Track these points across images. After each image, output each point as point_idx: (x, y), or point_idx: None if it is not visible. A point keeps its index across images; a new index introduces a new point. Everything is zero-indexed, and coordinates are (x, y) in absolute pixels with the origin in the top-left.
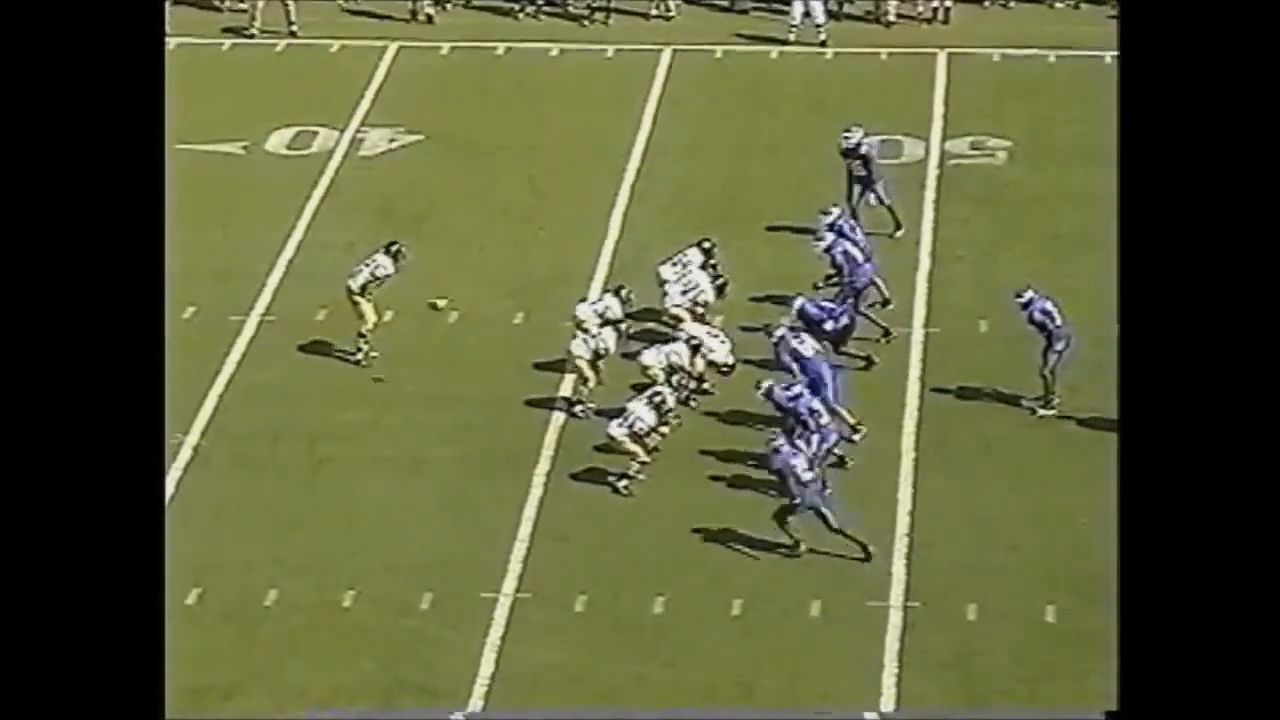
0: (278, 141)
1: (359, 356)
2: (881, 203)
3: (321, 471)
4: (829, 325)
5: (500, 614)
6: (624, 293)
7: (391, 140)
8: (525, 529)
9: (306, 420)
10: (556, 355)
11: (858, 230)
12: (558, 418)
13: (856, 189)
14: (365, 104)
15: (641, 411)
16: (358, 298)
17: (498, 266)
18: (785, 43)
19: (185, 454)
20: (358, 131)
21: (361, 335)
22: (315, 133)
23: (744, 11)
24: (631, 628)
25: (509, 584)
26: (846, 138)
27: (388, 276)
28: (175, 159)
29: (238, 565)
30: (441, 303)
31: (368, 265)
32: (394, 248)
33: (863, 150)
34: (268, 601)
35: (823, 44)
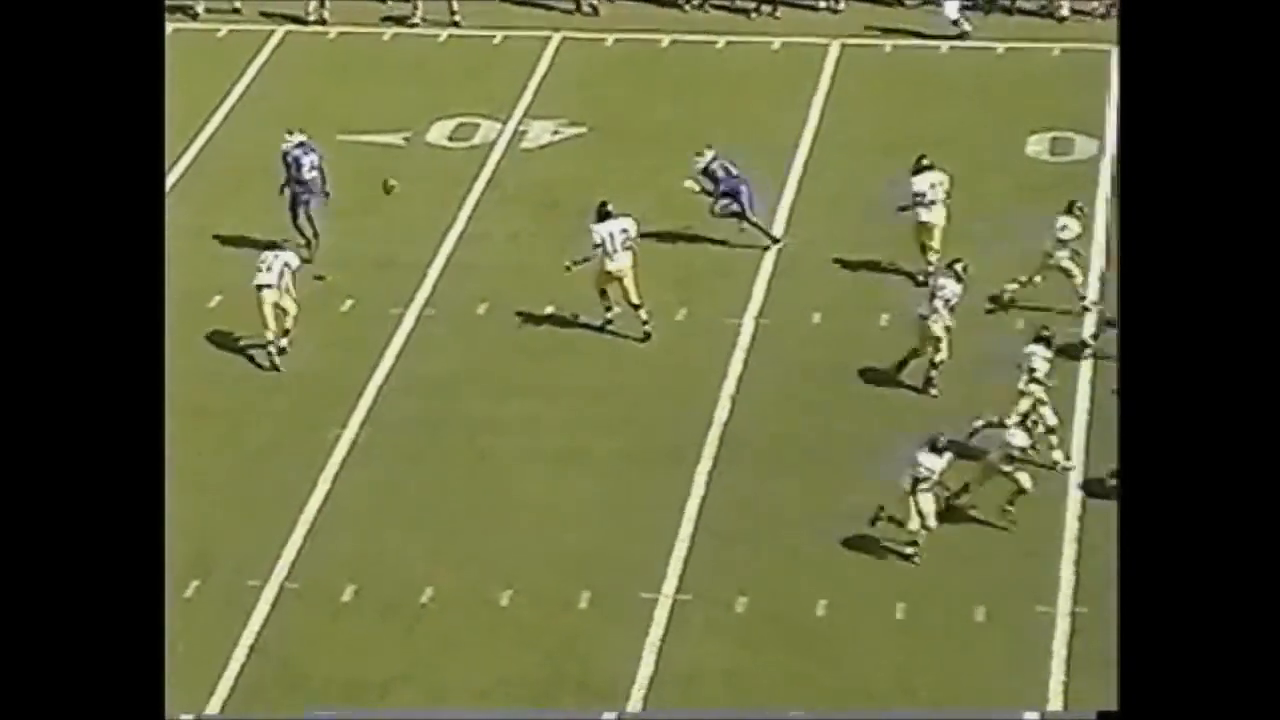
0: (439, 133)
1: None
2: (745, 218)
3: (481, 465)
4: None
5: (660, 614)
6: (959, 268)
7: (554, 132)
8: (686, 527)
9: (467, 412)
10: (719, 350)
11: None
12: (720, 413)
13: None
14: (528, 96)
15: (1015, 435)
16: None
17: (660, 259)
18: (955, 37)
19: (344, 447)
20: (520, 123)
21: None
22: (477, 124)
23: (912, 6)
24: (793, 629)
25: (669, 584)
26: (697, 161)
27: None
28: (337, 150)
29: (395, 560)
30: (393, 182)
31: None
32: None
33: (713, 170)
34: (424, 598)
35: (959, 37)
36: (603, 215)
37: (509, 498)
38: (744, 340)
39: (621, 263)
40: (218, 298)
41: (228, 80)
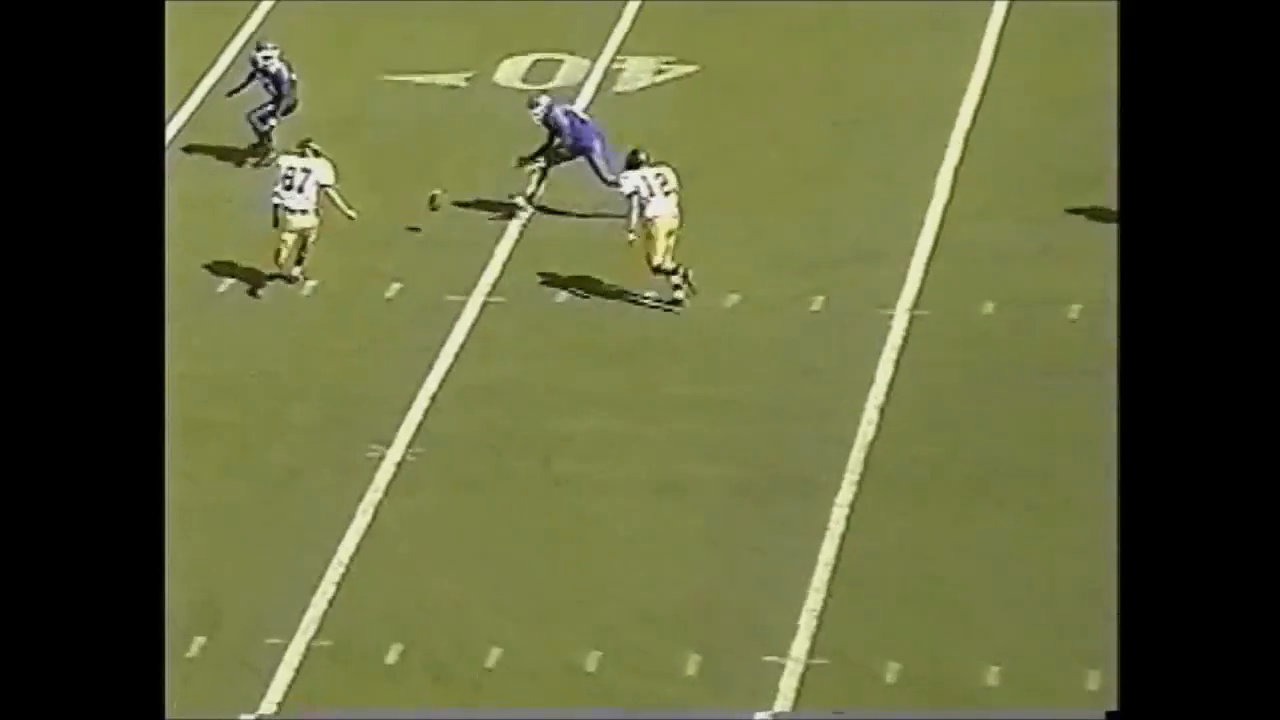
0: (510, 72)
1: None
2: (601, 176)
3: (557, 494)
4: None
5: (787, 683)
6: None
7: (657, 72)
8: (820, 574)
9: (539, 429)
10: (863, 350)
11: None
12: (864, 431)
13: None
14: (623, 26)
15: None
16: None
17: (788, 237)
18: None
19: (387, 470)
20: (613, 60)
21: None
22: (559, 61)
23: None
24: (956, 702)
25: (799, 645)
26: (533, 111)
27: None
28: (379, 94)
29: (450, 614)
30: (441, 192)
31: None
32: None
33: (555, 119)
34: (490, 661)
35: None
36: (633, 163)
37: (593, 536)
38: (895, 338)
39: (663, 209)
40: (227, 282)
41: (239, 12)
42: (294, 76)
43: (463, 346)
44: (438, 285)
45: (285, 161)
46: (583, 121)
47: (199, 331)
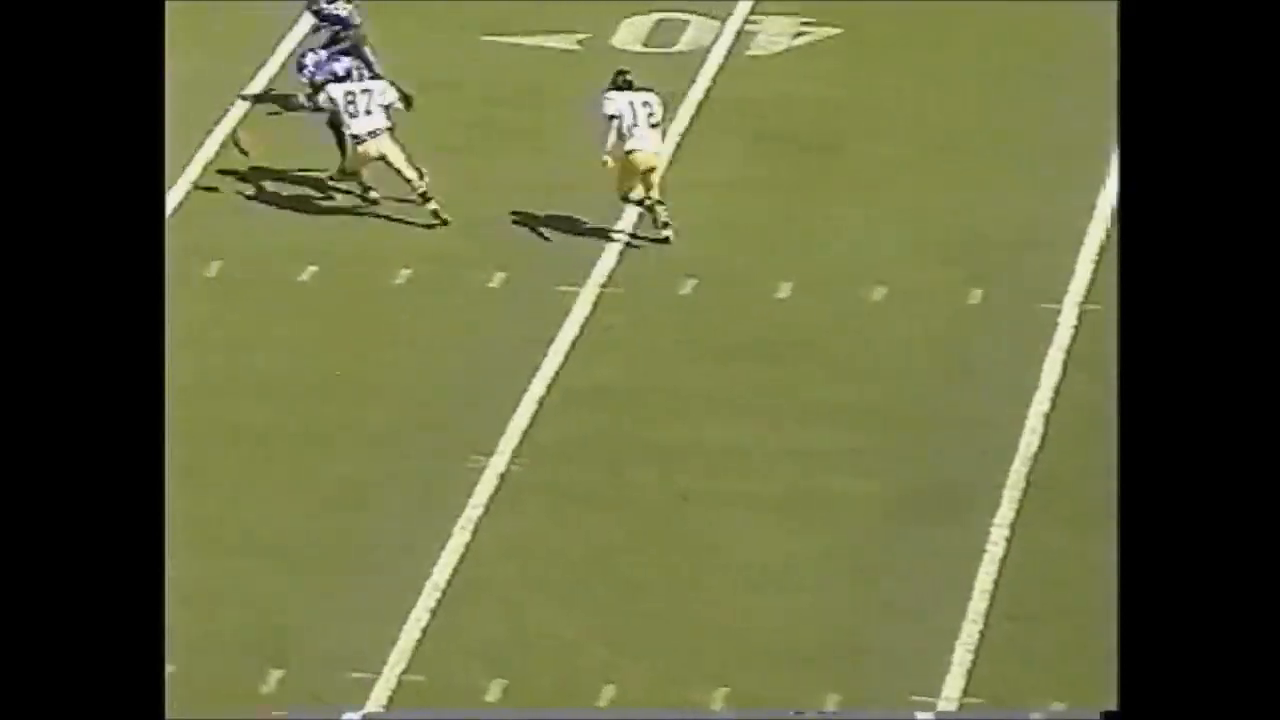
0: (629, 35)
1: None
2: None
3: (681, 512)
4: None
5: None
6: None
7: (795, 35)
8: (978, 604)
9: (659, 438)
10: (1026, 349)
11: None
12: (1028, 441)
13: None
14: None
15: None
16: None
17: (942, 220)
18: None
19: (489, 482)
20: (746, 20)
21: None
22: (685, 21)
23: None
24: None
25: (952, 684)
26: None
27: None
28: (480, 56)
29: (556, 647)
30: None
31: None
32: None
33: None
34: (602, 700)
35: None
36: (619, 85)
37: (718, 560)
38: (1062, 336)
39: (647, 144)
40: (313, 267)
41: None
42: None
43: (575, 343)
44: (546, 275)
45: (335, 90)
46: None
47: (282, 321)
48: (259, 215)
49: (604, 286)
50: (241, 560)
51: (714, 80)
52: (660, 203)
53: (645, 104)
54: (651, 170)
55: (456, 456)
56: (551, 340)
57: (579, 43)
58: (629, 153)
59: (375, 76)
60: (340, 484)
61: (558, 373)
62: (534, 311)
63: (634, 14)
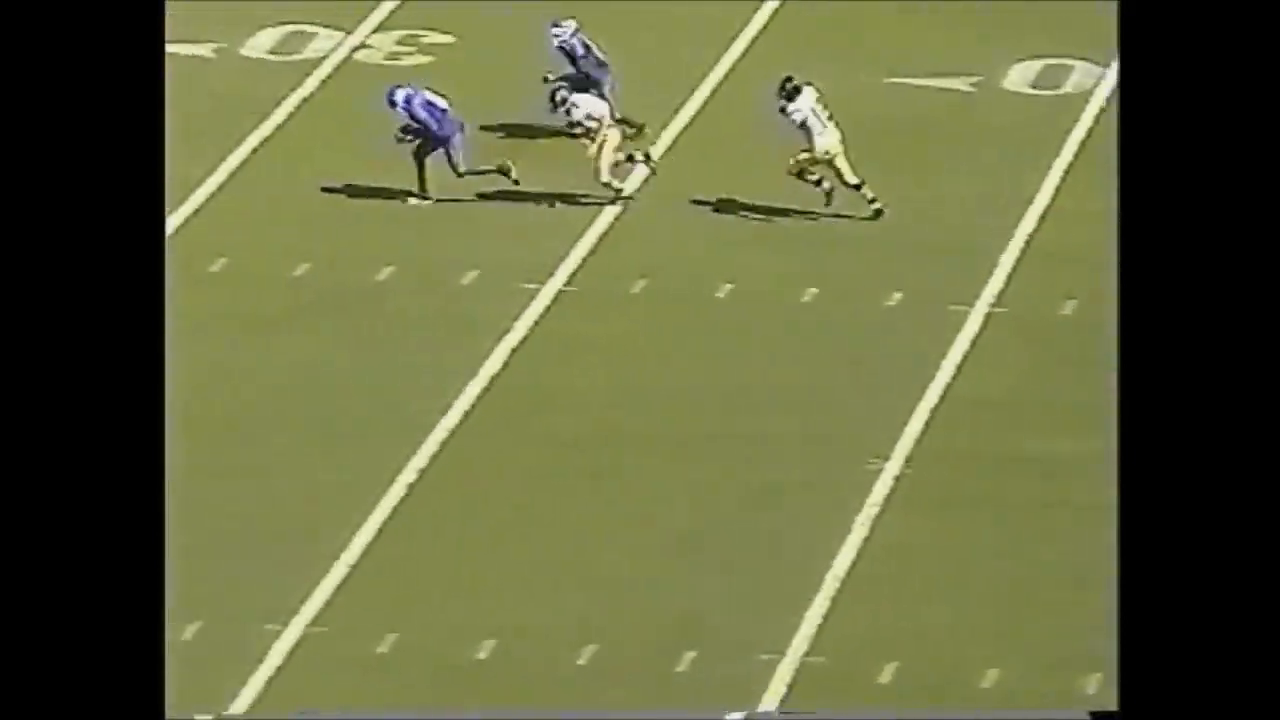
0: (1021, 76)
1: None
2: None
3: (1046, 518)
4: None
5: None
6: None
7: None
8: None
9: (1032, 448)
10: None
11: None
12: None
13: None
14: None
15: None
16: None
17: None
18: None
19: (884, 483)
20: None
21: None
22: (1070, 68)
23: None
24: None
25: None
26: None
27: None
28: (877, 97)
29: (943, 635)
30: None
31: None
32: None
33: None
34: (986, 683)
35: None
36: (792, 92)
37: (1083, 566)
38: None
39: (832, 139)
40: (729, 285)
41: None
42: (586, 54)
43: (966, 358)
44: (940, 294)
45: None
46: (443, 111)
47: (702, 332)
48: (691, 234)
49: (992, 306)
50: (662, 556)
51: (1095, 121)
52: (859, 185)
53: (818, 100)
54: (834, 158)
55: (856, 460)
56: (944, 354)
57: (972, 85)
58: (812, 153)
59: None
60: (749, 486)
61: (950, 383)
62: (927, 328)
63: (1024, 58)
